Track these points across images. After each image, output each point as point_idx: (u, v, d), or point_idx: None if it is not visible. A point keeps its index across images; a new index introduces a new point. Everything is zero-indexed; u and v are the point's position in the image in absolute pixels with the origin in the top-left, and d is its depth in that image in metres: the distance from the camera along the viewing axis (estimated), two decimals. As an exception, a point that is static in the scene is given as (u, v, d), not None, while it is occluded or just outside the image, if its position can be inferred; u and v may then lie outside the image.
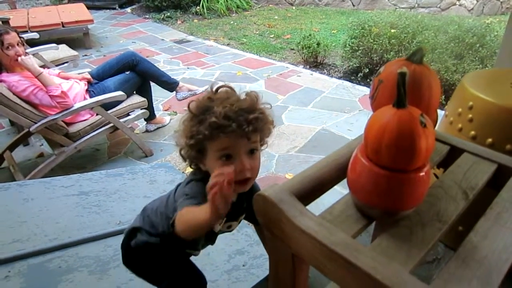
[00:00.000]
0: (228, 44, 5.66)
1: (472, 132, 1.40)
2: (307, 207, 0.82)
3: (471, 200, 0.90)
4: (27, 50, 2.90)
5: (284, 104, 3.76)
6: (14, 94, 2.38)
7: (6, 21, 4.53)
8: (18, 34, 2.58)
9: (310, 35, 4.84)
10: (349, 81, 4.24)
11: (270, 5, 7.92)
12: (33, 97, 2.45)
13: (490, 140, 1.35)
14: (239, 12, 7.35)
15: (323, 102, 3.77)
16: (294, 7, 7.75)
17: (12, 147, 2.87)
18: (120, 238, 1.92)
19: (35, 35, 3.91)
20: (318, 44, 4.69)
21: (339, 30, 6.01)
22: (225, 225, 1.14)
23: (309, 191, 0.84)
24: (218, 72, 4.58)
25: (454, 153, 1.09)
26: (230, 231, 1.22)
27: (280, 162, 2.88)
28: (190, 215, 0.86)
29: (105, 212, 2.10)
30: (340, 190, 1.22)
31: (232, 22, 6.71)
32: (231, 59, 5.04)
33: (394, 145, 0.71)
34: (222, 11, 7.10)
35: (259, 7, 7.79)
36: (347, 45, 4.36)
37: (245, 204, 1.12)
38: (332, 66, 4.73)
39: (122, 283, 1.63)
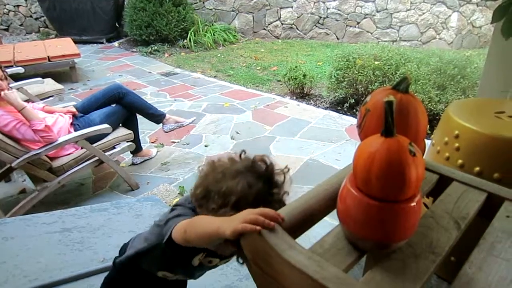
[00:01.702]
0: (215, 76, 5.72)
1: (460, 161, 1.41)
2: (297, 240, 0.79)
3: (463, 230, 0.88)
4: (11, 85, 2.88)
5: (271, 134, 3.76)
6: (-4, 128, 2.33)
7: (-9, 56, 4.53)
8: (1, 68, 2.56)
9: (296, 67, 4.93)
10: (336, 111, 4.29)
11: (257, 38, 8.09)
12: (16, 131, 2.40)
13: (478, 168, 1.35)
14: (226, 45, 7.49)
15: (310, 132, 3.79)
16: (280, 40, 7.93)
17: (-8, 183, 2.79)
18: (104, 276, 1.85)
19: (20, 70, 3.90)
20: (304, 75, 4.77)
21: (325, 62, 6.14)
22: (205, 259, 1.11)
23: (298, 223, 0.82)
24: (206, 104, 4.59)
25: (443, 182, 1.08)
26: (213, 267, 1.17)
27: (268, 193, 2.84)
28: (199, 222, 0.90)
29: (88, 249, 2.02)
30: (330, 221, 1.19)
31: (219, 55, 6.82)
32: (218, 90, 5.08)
33: (383, 175, 0.69)
34: (209, 44, 7.23)
35: (245, 40, 7.96)
36: (333, 77, 4.44)
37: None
38: (319, 97, 4.79)
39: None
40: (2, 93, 2.37)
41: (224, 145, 3.57)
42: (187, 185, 2.91)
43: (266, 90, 5.10)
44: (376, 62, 4.20)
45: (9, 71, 3.67)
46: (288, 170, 1.06)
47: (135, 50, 7.27)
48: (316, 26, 7.87)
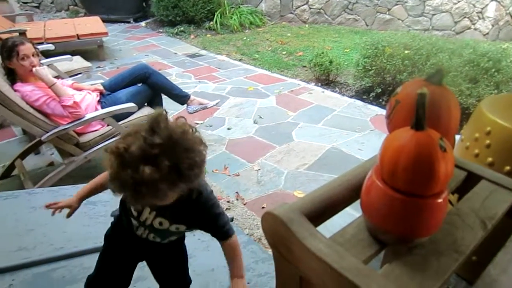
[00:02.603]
0: (240, 60, 5.70)
1: (490, 159, 1.36)
2: (317, 228, 0.79)
3: (489, 230, 0.86)
4: (42, 61, 2.94)
5: (294, 120, 3.74)
6: (27, 103, 2.40)
7: (23, 33, 4.61)
8: (33, 45, 2.61)
9: (322, 53, 4.85)
10: (361, 100, 4.22)
11: (283, 22, 7.98)
12: (46, 106, 2.47)
13: (508, 168, 1.31)
14: (252, 28, 7.42)
15: (334, 120, 3.75)
16: (307, 25, 7.80)
17: (23, 156, 2.88)
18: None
19: (50, 47, 3.97)
20: (331, 62, 4.69)
21: (352, 49, 6.01)
22: (156, 220, 1.15)
23: (320, 211, 0.82)
24: (229, 87, 4.59)
25: (471, 179, 1.06)
26: (163, 229, 1.19)
27: (288, 178, 2.85)
28: None
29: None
30: (351, 212, 1.18)
31: (245, 38, 6.77)
32: (242, 74, 5.07)
33: (411, 168, 0.68)
34: (235, 27, 7.18)
35: (272, 24, 7.86)
36: (360, 64, 4.35)
37: (187, 214, 1.13)
38: (344, 84, 4.72)
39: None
40: (34, 69, 2.43)
41: (246, 129, 3.58)
42: (208, 166, 2.94)
43: (291, 76, 5.05)
44: (406, 51, 4.08)
45: (40, 47, 3.74)
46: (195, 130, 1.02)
47: (161, 30, 7.29)
48: (345, 12, 7.69)
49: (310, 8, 7.88)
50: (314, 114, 3.87)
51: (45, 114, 2.49)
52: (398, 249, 0.77)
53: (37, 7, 8.80)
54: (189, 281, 1.49)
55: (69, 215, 1.30)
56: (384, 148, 0.74)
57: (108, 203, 2.25)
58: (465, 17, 6.88)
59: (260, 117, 3.81)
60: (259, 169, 2.96)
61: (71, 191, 2.27)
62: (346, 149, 3.22)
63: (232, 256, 1.21)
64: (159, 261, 1.39)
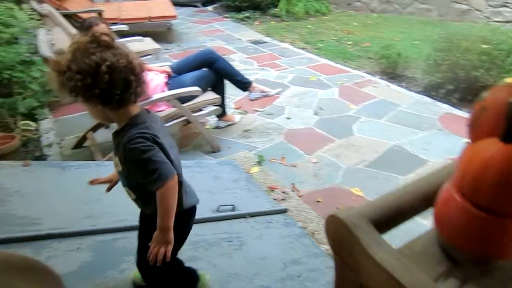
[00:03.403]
0: (303, 48, 5.61)
1: None
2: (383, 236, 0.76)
3: None
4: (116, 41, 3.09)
5: (356, 114, 3.63)
6: (101, 81, 2.54)
7: (100, 13, 4.88)
8: (107, 26, 2.75)
9: (390, 44, 4.65)
10: (430, 97, 3.99)
11: (350, 11, 7.73)
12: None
13: None
14: (317, 16, 7.26)
15: (399, 117, 3.58)
16: (375, 14, 7.49)
17: (95, 129, 3.07)
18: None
19: (124, 27, 4.16)
20: (399, 54, 4.48)
21: (423, 41, 5.67)
22: (115, 159, 1.25)
23: (388, 219, 0.78)
24: (291, 76, 4.55)
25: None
26: (121, 173, 1.27)
27: (346, 174, 2.78)
28: None
29: (170, 202, 2.16)
30: (420, 221, 1.12)
31: (309, 26, 6.65)
32: (305, 63, 4.99)
33: (499, 185, 0.62)
34: (300, 14, 7.06)
35: (338, 13, 7.64)
36: (431, 58, 4.11)
37: (122, 151, 1.18)
38: (412, 79, 4.48)
39: (180, 275, 1.66)
40: (108, 49, 2.56)
41: (305, 120, 3.54)
42: (265, 154, 2.95)
43: (355, 67, 4.89)
44: (484, 46, 3.78)
45: (115, 28, 3.95)
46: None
47: (227, 15, 7.37)
48: (417, 1, 7.26)
49: (380, -3, 7.55)
50: (377, 109, 3.73)
51: (116, 93, 2.62)
52: (473, 270, 0.72)
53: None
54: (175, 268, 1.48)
55: (108, 190, 1.38)
56: (468, 159, 0.69)
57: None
58: (556, 11, 6.22)
59: (321, 109, 3.74)
60: (316, 162, 2.92)
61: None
62: (410, 148, 3.07)
63: (158, 205, 1.19)
64: (139, 230, 1.44)
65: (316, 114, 3.64)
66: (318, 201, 2.51)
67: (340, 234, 0.73)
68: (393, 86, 4.29)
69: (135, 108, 1.19)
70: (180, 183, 1.28)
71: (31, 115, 3.23)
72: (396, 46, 4.60)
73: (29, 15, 3.87)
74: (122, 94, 1.10)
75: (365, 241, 0.70)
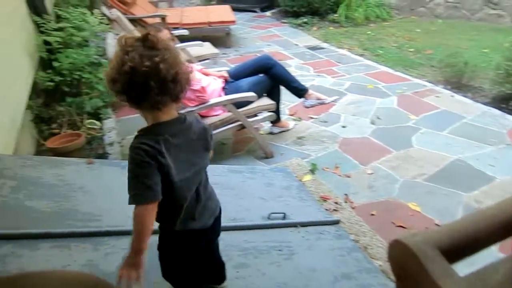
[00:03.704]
0: (362, 55, 5.47)
1: None
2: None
3: None
4: (177, 45, 3.20)
5: (416, 125, 3.47)
6: (161, 85, 2.63)
7: (163, 18, 5.09)
8: (169, 31, 2.84)
9: (456, 52, 4.40)
10: (498, 109, 3.72)
11: (413, 17, 7.43)
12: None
13: None
14: (378, 22, 7.06)
15: (463, 129, 3.38)
16: (440, 20, 7.14)
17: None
18: (232, 234, 1.98)
19: (185, 32, 4.30)
20: (465, 63, 4.22)
21: (492, 49, 5.32)
22: None
23: (459, 248, 0.72)
24: (348, 83, 4.45)
25: None
26: None
27: (403, 188, 2.67)
28: None
29: (221, 206, 2.18)
30: (495, 249, 1.03)
31: (369, 32, 6.48)
32: (363, 70, 4.86)
33: None
34: (360, 20, 6.91)
35: (400, 18, 7.38)
36: (501, 68, 3.84)
37: None
38: (479, 89, 4.21)
39: (229, 279, 1.67)
40: (170, 54, 2.65)
41: (362, 129, 3.44)
42: (319, 163, 2.90)
43: (417, 75, 4.68)
44: None
45: (176, 32, 4.09)
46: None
47: (285, 21, 7.38)
48: (487, 6, 6.83)
49: (446, 2, 7.20)
50: (439, 120, 3.54)
51: (175, 96, 2.70)
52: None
53: (177, -7, 9.61)
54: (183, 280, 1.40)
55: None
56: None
57: (220, 186, 2.36)
58: None
59: (378, 118, 3.62)
60: (371, 173, 2.82)
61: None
62: (474, 163, 2.88)
63: (133, 226, 1.10)
64: None
65: (373, 123, 3.53)
66: (372, 214, 2.43)
67: (405, 261, 0.68)
68: (458, 97, 4.05)
69: (162, 115, 1.13)
70: (181, 207, 1.20)
71: (96, 114, 3.43)
72: (462, 54, 4.35)
73: (99, 19, 4.12)
74: (139, 97, 1.07)
75: (434, 272, 0.65)
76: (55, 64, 3.29)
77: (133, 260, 1.10)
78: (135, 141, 1.11)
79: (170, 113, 1.15)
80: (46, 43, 3.44)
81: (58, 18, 4.08)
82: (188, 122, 1.20)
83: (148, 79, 1.03)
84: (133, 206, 1.22)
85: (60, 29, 3.54)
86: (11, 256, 1.45)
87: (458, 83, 4.29)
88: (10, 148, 2.32)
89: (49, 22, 3.54)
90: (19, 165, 1.99)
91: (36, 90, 3.26)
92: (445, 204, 2.49)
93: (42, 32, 3.50)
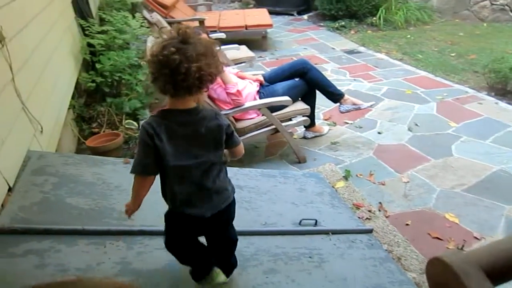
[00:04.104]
0: (400, 59, 5.33)
1: None
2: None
3: None
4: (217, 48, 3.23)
5: (456, 133, 3.35)
6: (198, 87, 2.68)
7: (202, 21, 5.18)
8: (208, 34, 2.89)
9: (502, 57, 4.20)
10: (547, 119, 3.52)
11: (456, 20, 7.17)
12: (213, 92, 2.72)
13: None
14: (418, 25, 6.86)
15: (507, 138, 3.22)
16: (485, 24, 6.84)
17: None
18: (263, 239, 1.98)
19: (222, 35, 4.36)
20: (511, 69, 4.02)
21: (543, 55, 5.05)
22: None
23: (503, 269, 0.68)
24: (386, 88, 4.35)
25: None
26: None
27: (441, 198, 2.57)
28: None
29: (254, 210, 2.19)
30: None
31: (408, 36, 6.31)
32: (401, 75, 4.74)
33: None
34: (400, 24, 6.73)
35: (442, 22, 7.14)
36: (551, 75, 3.63)
37: None
38: (526, 97, 4.00)
39: (258, 284, 1.66)
40: (208, 57, 2.69)
41: (399, 135, 3.35)
42: (353, 169, 2.85)
43: (458, 81, 4.51)
44: None
45: (214, 35, 4.16)
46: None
47: (322, 24, 7.31)
48: (540, 9, 6.49)
49: (492, 4, 6.89)
50: (481, 128, 3.39)
51: (211, 98, 2.75)
52: None
53: (216, -3, 9.81)
54: None
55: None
56: None
57: (252, 189, 2.38)
58: None
59: (416, 125, 3.51)
60: (407, 182, 2.74)
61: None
62: (518, 174, 2.74)
63: None
64: None
65: (410, 130, 3.43)
66: (407, 224, 2.36)
67: (445, 280, 0.65)
68: (502, 104, 3.87)
69: (178, 104, 1.23)
70: (172, 190, 1.28)
71: (133, 115, 3.53)
72: (509, 60, 4.14)
73: (140, 22, 4.24)
74: (152, 81, 1.18)
75: (475, 292, 0.62)
76: (98, 65, 3.42)
77: (132, 203, 1.34)
78: (145, 120, 1.27)
79: (186, 103, 1.23)
80: (90, 45, 3.58)
81: (102, 21, 4.25)
82: (201, 115, 1.26)
83: (161, 67, 1.13)
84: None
85: (103, 32, 3.68)
86: (50, 251, 1.51)
87: (503, 90, 4.10)
88: (54, 146, 2.43)
89: (93, 25, 3.68)
90: (61, 163, 2.08)
91: (78, 90, 3.40)
92: (486, 217, 2.38)
93: (86, 35, 3.64)
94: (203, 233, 1.47)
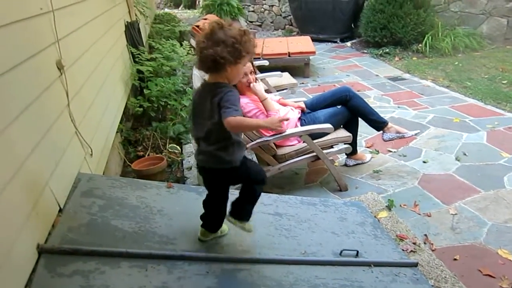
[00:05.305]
0: (447, 86, 5.18)
1: None
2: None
3: None
4: (257, 75, 3.30)
5: (508, 164, 3.17)
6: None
7: (245, 49, 5.31)
8: (252, 63, 2.96)
9: (560, 86, 3.97)
10: None
11: (507, 46, 6.89)
12: (255, 118, 2.76)
13: None
14: (467, 52, 6.66)
15: None
16: (540, 50, 6.54)
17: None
18: (303, 268, 1.94)
19: (265, 62, 4.45)
20: None
21: None
22: None
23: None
24: (431, 116, 4.22)
25: None
26: None
27: (492, 232, 2.42)
28: (244, 121, 1.55)
29: (293, 238, 2.15)
30: None
31: (456, 63, 6.13)
32: (448, 103, 4.59)
33: None
34: (447, 50, 6.57)
35: (492, 48, 6.89)
36: None
37: None
38: None
39: (297, 316, 1.63)
40: (251, 85, 2.76)
41: (445, 165, 3.22)
42: (396, 199, 2.76)
43: (510, 110, 4.30)
44: None
45: (257, 63, 4.25)
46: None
47: (365, 51, 7.29)
48: None
49: (548, 30, 6.58)
50: (537, 160, 3.19)
51: (253, 125, 2.78)
52: None
53: (260, 25, 10.17)
54: None
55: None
56: None
57: (292, 217, 2.35)
58: None
59: (465, 154, 3.36)
60: (455, 214, 2.61)
61: (263, 199, 2.43)
62: None
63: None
64: None
65: (458, 159, 3.29)
66: (455, 259, 2.23)
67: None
68: (561, 135, 3.63)
69: (211, 77, 1.60)
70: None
71: (177, 139, 3.64)
72: None
73: (187, 50, 4.44)
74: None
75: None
76: (146, 91, 3.59)
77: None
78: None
79: (211, 78, 1.61)
80: (139, 71, 3.78)
81: (151, 48, 4.48)
82: (208, 88, 1.59)
83: (197, 48, 1.53)
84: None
85: (152, 59, 3.88)
86: (95, 272, 1.55)
87: (561, 120, 3.86)
88: (102, 168, 2.55)
89: (143, 53, 3.89)
90: (108, 186, 2.16)
91: (126, 115, 3.57)
92: (544, 256, 2.21)
93: (136, 62, 3.85)
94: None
